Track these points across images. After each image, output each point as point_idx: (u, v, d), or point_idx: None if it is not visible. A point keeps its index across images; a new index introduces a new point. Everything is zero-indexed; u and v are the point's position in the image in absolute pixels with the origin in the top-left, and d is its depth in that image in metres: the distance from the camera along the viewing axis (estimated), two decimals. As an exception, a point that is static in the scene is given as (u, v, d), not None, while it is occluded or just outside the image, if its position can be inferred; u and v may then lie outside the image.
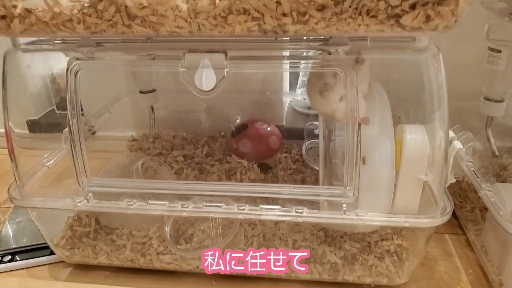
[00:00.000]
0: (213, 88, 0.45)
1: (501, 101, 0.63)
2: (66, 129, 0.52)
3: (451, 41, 0.72)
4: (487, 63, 0.62)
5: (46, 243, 0.60)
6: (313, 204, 0.50)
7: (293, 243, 0.57)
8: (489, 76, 0.63)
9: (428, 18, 0.36)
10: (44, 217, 0.58)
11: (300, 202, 0.50)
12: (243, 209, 0.49)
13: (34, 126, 0.91)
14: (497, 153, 0.67)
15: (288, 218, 0.49)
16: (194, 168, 0.73)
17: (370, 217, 0.47)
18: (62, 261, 0.62)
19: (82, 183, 0.52)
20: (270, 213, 0.49)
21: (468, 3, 0.36)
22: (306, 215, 0.48)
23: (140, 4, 0.39)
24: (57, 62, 0.86)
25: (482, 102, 0.64)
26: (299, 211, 0.48)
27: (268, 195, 0.51)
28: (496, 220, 0.48)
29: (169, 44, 0.48)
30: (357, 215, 0.47)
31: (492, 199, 0.50)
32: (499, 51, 0.60)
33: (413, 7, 0.36)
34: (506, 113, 0.65)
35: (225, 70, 0.44)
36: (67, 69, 0.47)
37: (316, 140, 0.77)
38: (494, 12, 0.58)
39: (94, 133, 0.75)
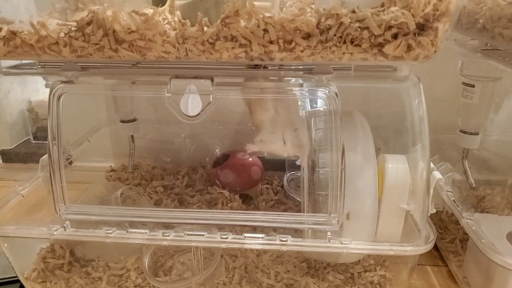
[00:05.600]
0: (199, 114, 0.45)
1: (476, 133, 0.65)
2: (44, 156, 0.50)
3: (427, 76, 0.75)
4: (461, 97, 0.65)
5: (16, 276, 0.57)
6: (296, 233, 0.50)
7: (276, 275, 0.55)
8: (464, 110, 0.65)
9: (409, 47, 0.38)
10: (15, 248, 0.55)
11: (284, 232, 0.49)
12: (226, 238, 0.48)
13: (7, 156, 0.89)
14: (474, 185, 0.69)
15: (272, 247, 0.48)
16: (174, 199, 0.71)
17: (354, 245, 0.47)
18: (32, 296, 0.58)
19: (59, 210, 0.50)
20: (254, 241, 0.48)
21: (446, 36, 0.38)
22: (291, 243, 0.47)
23: (129, 29, 0.40)
24: (35, 90, 0.85)
25: (458, 135, 0.67)
26: (283, 239, 0.47)
27: (251, 223, 0.50)
28: (478, 248, 0.48)
29: (155, 70, 0.48)
30: (342, 243, 0.47)
31: (474, 227, 0.51)
32: (473, 86, 0.63)
33: (395, 36, 0.37)
34: (482, 145, 0.67)
35: (211, 96, 0.44)
36: (50, 92, 0.46)
37: (297, 172, 0.77)
38: (467, 49, 0.61)
39: (71, 162, 0.73)
